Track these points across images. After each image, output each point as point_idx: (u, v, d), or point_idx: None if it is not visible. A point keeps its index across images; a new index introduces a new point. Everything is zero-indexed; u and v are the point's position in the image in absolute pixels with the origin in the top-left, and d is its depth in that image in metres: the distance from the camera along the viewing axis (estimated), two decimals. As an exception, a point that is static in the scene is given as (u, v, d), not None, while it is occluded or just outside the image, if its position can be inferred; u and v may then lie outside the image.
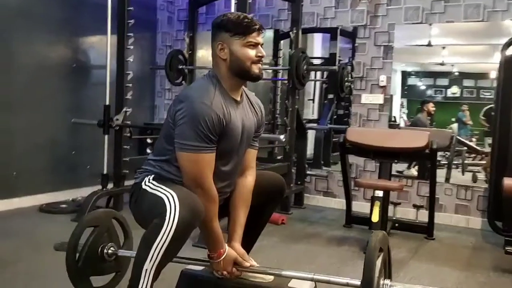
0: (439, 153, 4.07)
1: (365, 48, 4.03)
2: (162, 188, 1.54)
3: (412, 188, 3.86)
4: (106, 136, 3.52)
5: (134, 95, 3.67)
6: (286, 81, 3.90)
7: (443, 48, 4.41)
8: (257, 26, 1.61)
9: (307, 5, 4.22)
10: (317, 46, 5.29)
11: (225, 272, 1.68)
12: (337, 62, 4.41)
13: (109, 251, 1.79)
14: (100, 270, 1.80)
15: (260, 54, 1.62)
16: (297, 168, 4.02)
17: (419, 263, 2.69)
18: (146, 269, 1.45)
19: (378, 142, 2.97)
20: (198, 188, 1.55)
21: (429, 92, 5.29)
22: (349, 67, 4.19)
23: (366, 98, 4.04)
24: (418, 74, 5.32)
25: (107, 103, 3.47)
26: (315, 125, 4.54)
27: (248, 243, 1.89)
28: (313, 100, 5.29)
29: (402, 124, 4.77)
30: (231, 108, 1.61)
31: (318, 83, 5.17)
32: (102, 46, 3.80)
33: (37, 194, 3.68)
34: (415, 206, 3.59)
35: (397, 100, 5.02)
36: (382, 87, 3.99)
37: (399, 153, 2.99)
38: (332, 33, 4.43)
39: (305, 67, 3.62)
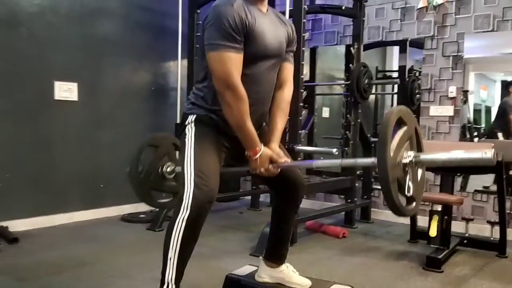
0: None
1: (433, 59, 3.94)
2: (191, 159, 1.69)
3: (488, 203, 3.66)
4: (177, 152, 3.81)
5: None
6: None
7: None
8: None
9: (372, 20, 4.25)
10: (395, 59, 5.26)
11: (262, 169, 1.77)
12: (406, 74, 4.36)
13: (168, 169, 2.00)
14: (161, 186, 2.02)
15: None
16: (363, 182, 4.00)
17: (481, 281, 2.56)
18: (170, 257, 1.62)
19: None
20: (227, 88, 1.65)
21: None
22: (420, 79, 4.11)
23: (435, 110, 3.93)
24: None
25: (178, 121, 3.78)
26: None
27: (281, 250, 2.00)
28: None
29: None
30: (256, 15, 1.72)
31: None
32: (176, 70, 4.15)
33: (121, 204, 4.07)
34: (489, 222, 3.41)
35: (495, 111, 4.79)
36: (451, 98, 3.86)
37: (461, 166, 2.88)
38: (401, 45, 4.39)
39: (366, 81, 3.64)
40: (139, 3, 4.13)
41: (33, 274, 2.45)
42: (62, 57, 3.58)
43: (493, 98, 4.98)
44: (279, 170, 1.80)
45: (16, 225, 3.29)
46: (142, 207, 4.15)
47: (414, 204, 1.52)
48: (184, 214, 1.60)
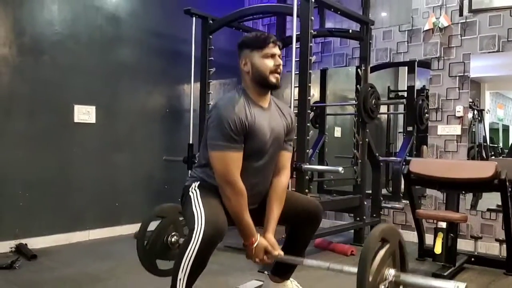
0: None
1: (440, 79, 4.02)
2: (199, 204, 1.81)
3: (497, 222, 3.67)
4: (189, 172, 3.95)
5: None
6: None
7: None
8: (271, 39, 1.90)
9: (380, 42, 4.36)
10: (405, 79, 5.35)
11: (257, 259, 1.89)
12: (416, 94, 4.45)
13: (173, 239, 2.11)
14: (165, 255, 2.13)
15: (277, 63, 1.89)
16: (372, 200, 4.06)
17: (486, 298, 2.60)
18: (180, 278, 1.72)
19: (442, 173, 2.95)
20: (227, 184, 1.81)
21: None
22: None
23: (443, 129, 3.99)
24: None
25: (191, 141, 3.92)
26: (391, 158, 4.54)
27: (288, 267, 2.08)
28: (403, 133, 5.29)
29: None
30: (256, 113, 1.86)
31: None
32: (190, 92, 4.31)
33: (136, 223, 4.17)
34: (497, 240, 3.42)
35: None
36: (458, 117, 3.92)
37: (464, 184, 2.94)
38: (409, 66, 4.48)
39: (373, 101, 3.74)
40: (154, 30, 4.33)
41: (52, 288, 2.58)
42: (82, 81, 3.77)
43: (510, 117, 5.01)
44: (273, 260, 1.92)
45: (35, 243, 3.43)
46: (155, 226, 4.28)
47: None
48: (195, 245, 1.69)
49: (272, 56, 1.89)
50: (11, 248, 3.32)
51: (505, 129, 5.00)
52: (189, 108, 4.28)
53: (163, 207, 2.24)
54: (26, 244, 3.34)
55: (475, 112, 4.54)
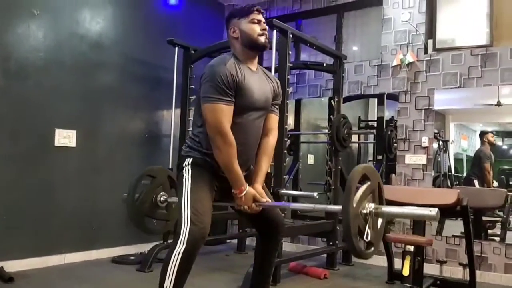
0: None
1: (407, 112, 4.29)
2: (187, 198, 1.92)
3: (461, 247, 3.89)
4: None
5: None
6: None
7: None
8: (256, 7, 2.09)
9: (352, 75, 4.62)
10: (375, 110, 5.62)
11: (246, 207, 2.00)
12: (385, 125, 4.70)
13: (161, 198, 2.19)
14: (153, 213, 2.21)
15: (263, 28, 2.07)
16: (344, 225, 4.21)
17: (450, 318, 2.76)
18: (166, 286, 1.81)
19: (409, 199, 3.14)
20: (218, 134, 1.92)
21: None
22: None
23: (410, 158, 4.23)
24: (499, 134, 5.35)
25: (170, 166, 4.02)
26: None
27: (261, 284, 2.20)
28: (372, 161, 5.53)
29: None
30: (246, 73, 2.01)
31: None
32: (169, 118, 4.42)
33: (112, 247, 4.21)
34: (461, 264, 3.63)
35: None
36: (424, 147, 4.17)
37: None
38: (379, 98, 4.75)
39: (345, 131, 3.95)
40: (136, 57, 4.46)
41: (31, 310, 2.60)
42: (64, 106, 3.84)
43: (473, 148, 5.30)
44: (261, 208, 2.05)
45: (11, 266, 3.41)
46: (131, 250, 4.31)
47: (372, 248, 1.74)
48: (180, 247, 1.80)
49: (258, 21, 2.07)
50: (-14, 271, 3.30)
51: (469, 159, 5.29)
52: (169, 133, 4.39)
53: (153, 168, 2.34)
54: (2, 267, 3.32)
55: (440, 142, 4.83)
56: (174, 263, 1.81)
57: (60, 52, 3.84)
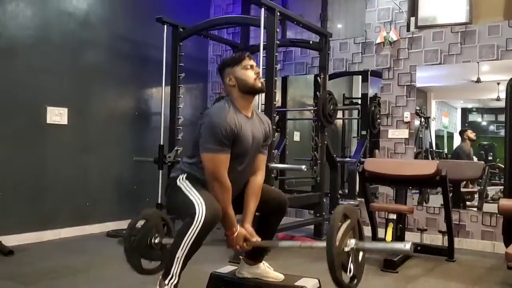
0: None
1: (390, 88, 4.44)
2: (193, 192, 2.05)
3: (440, 215, 4.10)
4: (160, 171, 4.15)
5: (186, 137, 4.30)
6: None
7: (498, 84, 4.61)
8: (246, 54, 2.22)
9: (337, 52, 4.74)
10: (358, 87, 5.76)
11: (238, 247, 2.16)
12: (369, 101, 4.85)
13: (156, 240, 2.31)
14: (149, 255, 2.33)
15: (257, 72, 2.20)
16: (330, 198, 4.40)
17: (429, 279, 2.98)
18: (178, 257, 1.95)
19: (392, 171, 3.33)
20: (215, 181, 2.06)
21: (492, 128, 5.45)
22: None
23: (393, 133, 4.40)
24: (479, 111, 5.52)
25: (162, 143, 4.12)
26: (347, 159, 4.93)
27: (261, 252, 2.35)
28: (357, 137, 5.70)
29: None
30: (242, 122, 2.14)
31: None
32: (159, 96, 4.50)
33: (105, 222, 4.32)
34: (440, 231, 3.85)
35: (457, 137, 5.25)
36: (406, 122, 4.34)
37: (411, 180, 3.33)
38: (363, 75, 4.89)
39: (331, 107, 4.09)
40: (125, 36, 4.50)
41: (35, 279, 2.72)
42: (54, 84, 3.89)
43: (454, 125, 5.49)
44: (251, 247, 2.21)
45: (8, 240, 3.50)
46: (124, 225, 4.39)
47: (355, 281, 1.89)
48: (197, 225, 1.92)
49: (251, 67, 2.19)
50: (-15, 245, 3.39)
51: (450, 136, 5.49)
52: (159, 111, 4.46)
53: (147, 212, 2.44)
54: (0, 242, 3.41)
55: (422, 119, 5.00)
56: (189, 238, 1.93)
57: (48, 30, 3.86)
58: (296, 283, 2.24)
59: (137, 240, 2.31)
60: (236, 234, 2.14)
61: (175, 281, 1.97)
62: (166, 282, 1.96)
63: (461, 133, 4.95)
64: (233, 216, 2.14)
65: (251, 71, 2.18)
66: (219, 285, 2.37)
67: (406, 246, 1.74)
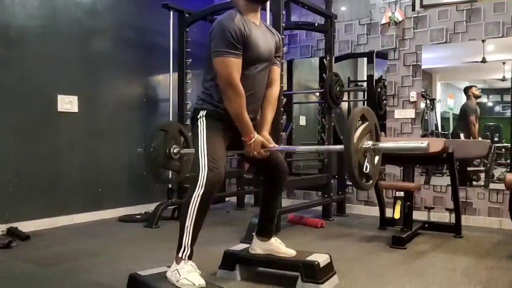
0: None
1: (396, 68, 4.45)
2: (204, 145, 2.09)
3: (447, 194, 4.14)
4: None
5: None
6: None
7: (504, 63, 4.66)
8: None
9: (342, 34, 4.75)
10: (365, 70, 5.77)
11: (255, 152, 2.19)
12: (374, 83, 4.87)
13: (175, 150, 2.38)
14: (167, 164, 2.41)
15: None
16: (338, 179, 4.45)
17: (438, 253, 3.03)
18: (187, 226, 2.01)
19: (400, 149, 3.36)
20: (229, 86, 2.07)
21: (497, 108, 5.44)
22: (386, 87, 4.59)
23: (399, 113, 4.43)
24: (484, 91, 5.51)
25: (171, 128, 4.18)
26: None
27: (270, 227, 2.41)
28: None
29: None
30: (251, 27, 2.14)
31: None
32: (166, 83, 4.54)
33: (118, 207, 4.40)
34: (447, 209, 3.90)
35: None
36: (412, 102, 4.37)
37: (418, 158, 3.37)
38: (368, 56, 4.90)
39: (338, 88, 4.12)
40: (132, 23, 4.54)
41: (54, 261, 2.80)
42: (64, 72, 3.95)
43: (460, 106, 5.48)
44: (268, 153, 2.23)
45: (24, 226, 3.59)
46: (137, 210, 4.51)
47: (371, 181, 1.95)
48: (199, 191, 1.98)
49: None
50: (2, 231, 3.48)
51: (455, 117, 5.49)
52: (167, 98, 4.51)
53: (165, 123, 2.52)
54: (16, 227, 3.50)
55: (428, 101, 5.01)
56: (194, 204, 1.99)
57: (56, 19, 3.91)
58: (307, 258, 2.30)
59: (157, 150, 2.37)
60: (253, 140, 2.16)
61: (188, 252, 2.03)
62: (180, 255, 2.03)
63: (466, 90, 4.95)
64: (249, 121, 2.15)
65: None
66: (233, 262, 2.43)
67: (424, 144, 1.78)
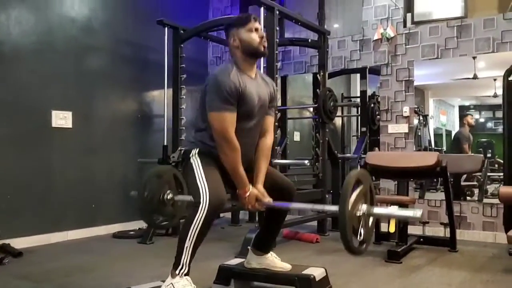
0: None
1: (389, 83, 4.50)
2: (201, 175, 2.09)
3: (441, 208, 4.15)
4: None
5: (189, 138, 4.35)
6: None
7: (495, 80, 4.67)
8: (252, 16, 2.24)
9: (335, 50, 4.81)
10: (357, 87, 5.82)
11: (250, 206, 2.18)
12: (367, 99, 4.92)
13: (168, 196, 2.36)
14: (161, 210, 2.38)
15: (261, 35, 2.22)
16: (332, 194, 4.46)
17: (433, 267, 3.03)
18: (186, 246, 2.00)
19: (394, 163, 3.39)
20: (223, 140, 2.09)
21: (489, 124, 5.50)
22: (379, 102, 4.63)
23: (392, 128, 4.46)
24: (476, 108, 5.57)
25: (165, 143, 4.18)
26: (348, 155, 4.99)
27: (268, 242, 2.40)
28: (357, 136, 5.75)
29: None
30: (246, 81, 2.17)
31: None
32: (161, 99, 4.56)
33: (111, 224, 4.37)
34: (442, 223, 3.91)
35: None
36: (406, 117, 4.40)
37: (412, 171, 3.38)
38: (361, 72, 4.95)
39: (331, 103, 4.15)
40: (127, 40, 4.57)
41: (46, 278, 2.77)
42: (58, 88, 3.95)
43: (452, 122, 5.54)
44: (263, 207, 2.24)
45: (17, 243, 3.53)
46: (131, 226, 4.47)
47: (364, 245, 1.93)
48: (202, 214, 1.97)
49: (256, 29, 2.21)
50: (-6, 248, 3.44)
51: (448, 134, 5.55)
52: (161, 114, 4.51)
53: (160, 168, 2.49)
54: (9, 244, 3.46)
55: (420, 117, 5.06)
56: (195, 226, 1.97)
57: (52, 36, 3.93)
58: (303, 272, 2.29)
59: (150, 197, 2.36)
60: (248, 193, 2.16)
61: (185, 271, 2.02)
62: (177, 272, 2.02)
63: (461, 117, 5.01)
64: (244, 175, 2.15)
65: (255, 34, 2.19)
66: (228, 276, 2.42)
67: (417, 213, 1.78)
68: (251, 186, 2.18)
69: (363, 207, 1.87)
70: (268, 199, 2.21)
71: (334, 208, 1.93)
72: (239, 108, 2.13)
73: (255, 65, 2.28)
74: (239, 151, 2.13)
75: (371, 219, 1.94)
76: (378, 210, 1.92)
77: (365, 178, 1.94)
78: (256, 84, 2.24)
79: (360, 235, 1.86)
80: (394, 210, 1.92)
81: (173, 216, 2.45)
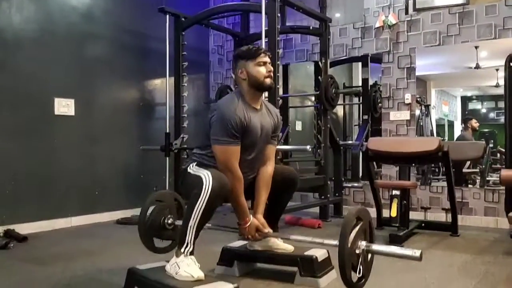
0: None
1: (390, 71, 4.50)
2: (201, 170, 2.12)
3: (443, 194, 4.17)
4: (167, 159, 4.22)
5: (191, 126, 4.38)
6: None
7: (497, 70, 4.71)
8: (262, 50, 2.26)
9: (337, 38, 4.80)
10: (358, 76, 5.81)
11: (250, 236, 2.23)
12: (369, 87, 4.92)
13: (169, 221, 2.39)
14: (161, 234, 2.41)
15: (269, 70, 2.24)
16: (334, 181, 4.47)
17: (435, 250, 3.05)
18: (190, 226, 2.02)
19: (396, 148, 3.40)
20: (228, 171, 2.13)
21: (492, 115, 5.49)
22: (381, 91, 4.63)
23: (394, 115, 4.47)
24: (478, 98, 5.55)
25: (167, 131, 4.20)
26: (350, 142, 5.01)
27: (270, 222, 2.42)
28: (358, 125, 5.75)
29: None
30: (251, 114, 2.20)
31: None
32: (163, 87, 4.57)
33: (114, 210, 4.40)
34: (443, 209, 3.93)
35: (458, 125, 5.28)
36: (407, 104, 4.41)
37: (414, 157, 3.39)
38: (363, 60, 4.95)
39: (333, 90, 4.16)
40: (128, 27, 4.58)
41: (53, 261, 2.80)
42: (60, 76, 3.97)
43: (455, 113, 5.52)
44: (263, 237, 2.27)
45: (22, 229, 3.57)
46: (134, 212, 4.49)
47: (363, 280, 1.94)
48: (206, 193, 1.98)
49: (264, 63, 2.23)
50: (-1, 233, 3.47)
51: (450, 124, 5.54)
52: (163, 102, 4.53)
53: (161, 193, 2.52)
54: (13, 229, 3.49)
55: (422, 107, 5.05)
56: (199, 206, 1.98)
57: (53, 23, 3.94)
58: (305, 253, 2.31)
59: (151, 221, 2.38)
60: (249, 224, 2.21)
61: (191, 249, 2.04)
62: (182, 250, 2.04)
63: (465, 121, 4.99)
64: (246, 205, 2.21)
65: (263, 68, 2.21)
66: (232, 258, 2.44)
67: (416, 253, 1.77)
68: (251, 217, 2.22)
69: (362, 244, 1.88)
70: (267, 230, 2.25)
71: (334, 242, 1.93)
72: (242, 140, 2.17)
73: (261, 97, 2.29)
74: (242, 181, 2.17)
75: (369, 255, 1.96)
76: (377, 247, 1.93)
77: (364, 215, 1.95)
78: (260, 115, 2.27)
79: (360, 271, 1.87)
80: (393, 248, 1.92)
81: (173, 240, 2.47)
